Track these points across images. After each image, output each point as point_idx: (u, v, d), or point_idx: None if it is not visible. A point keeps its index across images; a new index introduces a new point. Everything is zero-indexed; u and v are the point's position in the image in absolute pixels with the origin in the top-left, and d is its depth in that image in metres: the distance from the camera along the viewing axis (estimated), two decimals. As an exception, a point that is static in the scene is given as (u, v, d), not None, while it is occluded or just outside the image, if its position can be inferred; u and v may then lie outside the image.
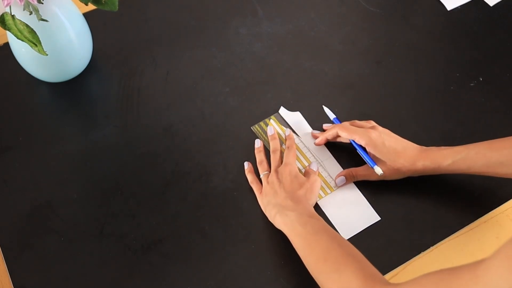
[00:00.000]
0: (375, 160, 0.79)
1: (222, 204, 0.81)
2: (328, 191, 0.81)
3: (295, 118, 0.89)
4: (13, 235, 0.78)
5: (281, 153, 0.84)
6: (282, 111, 0.90)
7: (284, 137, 0.86)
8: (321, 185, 0.81)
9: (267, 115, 0.89)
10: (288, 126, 0.88)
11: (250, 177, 0.82)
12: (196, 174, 0.83)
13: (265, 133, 0.87)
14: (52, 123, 0.90)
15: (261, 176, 0.81)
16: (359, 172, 0.80)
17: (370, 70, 0.95)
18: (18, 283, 0.75)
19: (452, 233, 0.78)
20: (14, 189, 0.82)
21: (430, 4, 1.03)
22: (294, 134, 0.87)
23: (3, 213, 0.80)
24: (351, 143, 0.82)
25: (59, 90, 0.92)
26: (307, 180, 0.78)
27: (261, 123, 0.88)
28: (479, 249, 0.77)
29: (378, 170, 0.77)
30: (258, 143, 0.85)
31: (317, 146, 0.85)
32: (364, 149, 0.80)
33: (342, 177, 0.81)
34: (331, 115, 0.87)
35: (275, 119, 0.88)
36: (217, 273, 0.75)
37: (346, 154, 0.84)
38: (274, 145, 0.84)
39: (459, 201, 0.80)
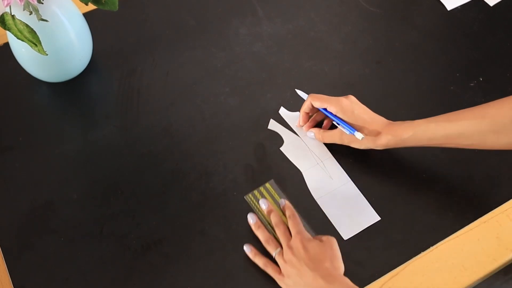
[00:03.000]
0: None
1: (222, 204, 0.81)
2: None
3: (295, 118, 0.89)
4: (13, 235, 0.78)
5: (285, 224, 0.77)
6: (282, 111, 0.90)
7: (278, 206, 0.79)
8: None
9: (267, 115, 0.89)
10: (289, 127, 0.88)
11: (261, 261, 0.74)
12: (196, 174, 0.83)
13: (259, 201, 0.80)
14: (52, 123, 0.90)
15: (274, 255, 0.74)
16: (328, 133, 0.83)
17: (370, 70, 0.95)
18: (18, 283, 0.75)
19: (452, 233, 0.78)
20: (14, 189, 0.82)
21: (430, 4, 1.03)
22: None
23: (3, 213, 0.80)
24: (327, 116, 0.83)
25: (59, 90, 0.92)
26: (324, 246, 0.72)
27: (255, 192, 0.81)
28: (479, 249, 0.77)
29: (359, 135, 0.78)
30: (253, 219, 0.78)
31: (317, 146, 0.85)
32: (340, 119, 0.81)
33: (312, 133, 0.84)
34: (305, 96, 0.89)
35: (270, 187, 0.81)
36: (217, 273, 0.75)
37: (346, 154, 0.84)
38: (275, 218, 0.77)
39: (459, 201, 0.80)
